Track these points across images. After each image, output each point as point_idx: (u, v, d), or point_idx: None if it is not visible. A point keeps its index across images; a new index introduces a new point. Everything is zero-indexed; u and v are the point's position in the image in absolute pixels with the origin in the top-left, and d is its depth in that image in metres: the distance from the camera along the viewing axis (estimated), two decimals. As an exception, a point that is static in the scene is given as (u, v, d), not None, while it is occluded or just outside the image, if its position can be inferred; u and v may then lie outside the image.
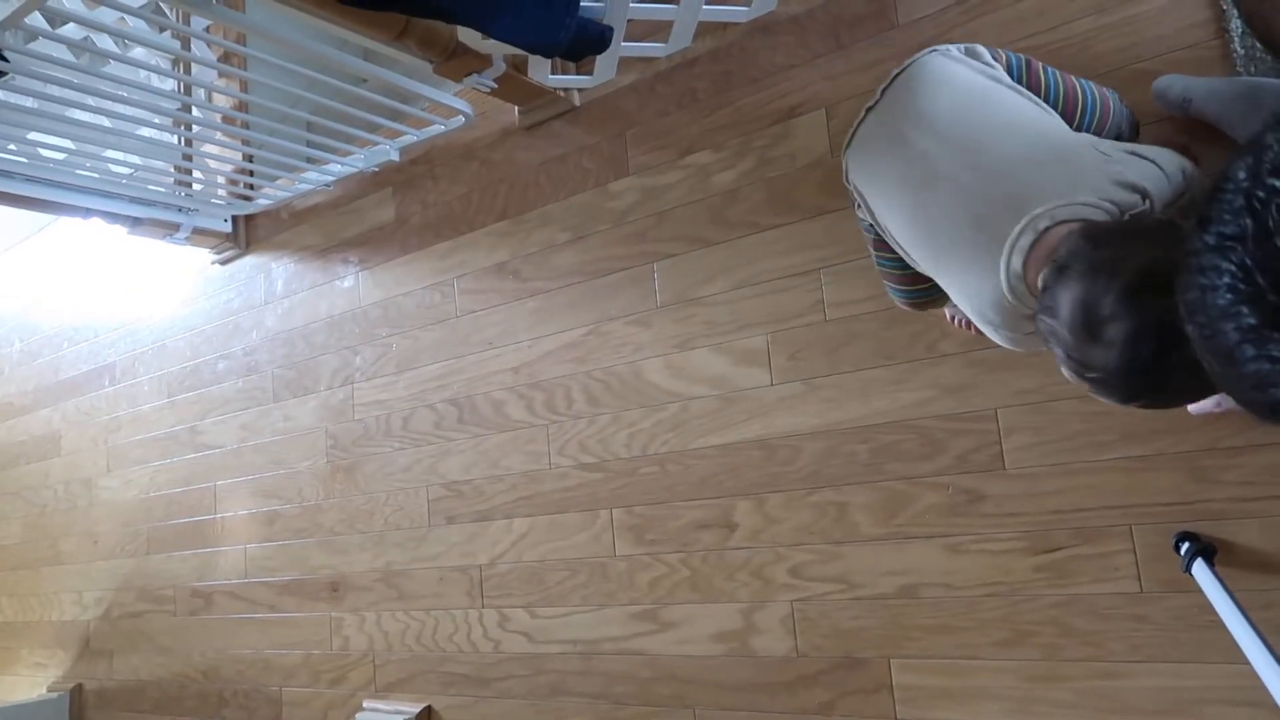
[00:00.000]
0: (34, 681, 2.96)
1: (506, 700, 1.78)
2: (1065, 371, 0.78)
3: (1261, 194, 0.41)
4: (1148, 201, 0.84)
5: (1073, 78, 1.04)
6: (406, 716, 1.90)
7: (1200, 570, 1.09)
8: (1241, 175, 0.43)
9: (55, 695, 2.80)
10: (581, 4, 1.42)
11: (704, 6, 1.53)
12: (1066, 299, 0.74)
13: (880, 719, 1.35)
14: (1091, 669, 1.20)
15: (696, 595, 1.55)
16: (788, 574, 1.46)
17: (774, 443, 1.49)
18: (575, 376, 1.74)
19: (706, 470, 1.56)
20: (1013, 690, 1.25)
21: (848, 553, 1.41)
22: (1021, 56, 1.04)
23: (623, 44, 1.59)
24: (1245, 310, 0.43)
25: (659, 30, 1.64)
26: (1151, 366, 0.70)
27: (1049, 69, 1.03)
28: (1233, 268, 0.43)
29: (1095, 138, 0.95)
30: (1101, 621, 1.20)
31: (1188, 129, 1.15)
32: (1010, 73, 1.01)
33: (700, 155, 1.62)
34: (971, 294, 0.92)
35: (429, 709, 1.91)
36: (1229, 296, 0.43)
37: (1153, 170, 0.87)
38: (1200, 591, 1.06)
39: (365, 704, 2.01)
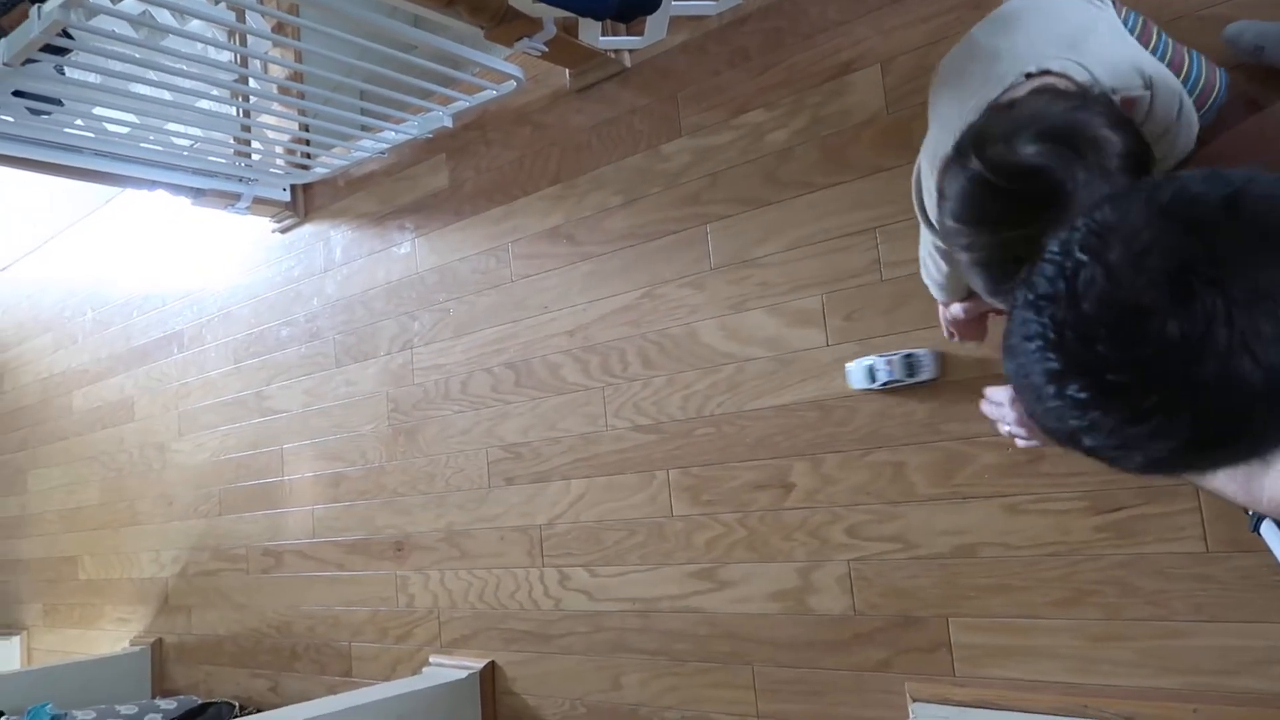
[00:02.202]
0: (117, 636, 3.11)
1: (567, 656, 1.83)
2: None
3: (1070, 265, 0.52)
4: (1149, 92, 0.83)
5: (1183, 48, 0.98)
6: (471, 671, 1.95)
7: (1269, 530, 1.07)
8: (1056, 248, 0.54)
9: (138, 649, 2.93)
10: (631, -36, 1.41)
11: (755, -38, 1.51)
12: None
13: (938, 677, 1.36)
14: (1154, 628, 1.19)
15: (753, 555, 1.57)
16: (844, 533, 1.47)
17: (830, 403, 1.49)
18: (630, 339, 1.75)
19: (762, 431, 1.57)
20: (1073, 649, 1.25)
21: (905, 512, 1.41)
22: (1139, 14, 0.97)
23: (673, 3, 1.58)
24: (1051, 357, 0.53)
25: (709, -12, 1.62)
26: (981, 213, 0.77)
27: (1163, 34, 0.97)
28: (1045, 321, 0.53)
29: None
30: (1165, 581, 1.19)
31: (1259, 77, 1.11)
32: (1124, 23, 0.96)
33: (753, 115, 1.60)
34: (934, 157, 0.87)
35: (492, 664, 1.96)
36: (1039, 343, 0.53)
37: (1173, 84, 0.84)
38: (1269, 551, 1.04)
39: (431, 659, 2.07)
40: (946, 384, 1.37)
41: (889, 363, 1.40)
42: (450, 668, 2.00)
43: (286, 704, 2.12)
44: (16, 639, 3.63)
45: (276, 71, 2.33)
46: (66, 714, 2.39)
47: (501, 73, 1.84)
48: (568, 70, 1.85)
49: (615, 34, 1.73)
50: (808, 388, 1.51)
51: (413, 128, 2.08)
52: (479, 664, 1.96)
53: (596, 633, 1.78)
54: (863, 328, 1.46)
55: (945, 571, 1.36)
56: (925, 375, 1.38)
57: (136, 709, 2.49)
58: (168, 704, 2.57)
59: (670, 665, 1.67)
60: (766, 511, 1.56)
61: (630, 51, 1.78)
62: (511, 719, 1.92)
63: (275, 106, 2.23)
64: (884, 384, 1.41)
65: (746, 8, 1.62)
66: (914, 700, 1.36)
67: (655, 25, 1.67)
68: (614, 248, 1.79)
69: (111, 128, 2.10)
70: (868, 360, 1.43)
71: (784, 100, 1.56)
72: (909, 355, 1.38)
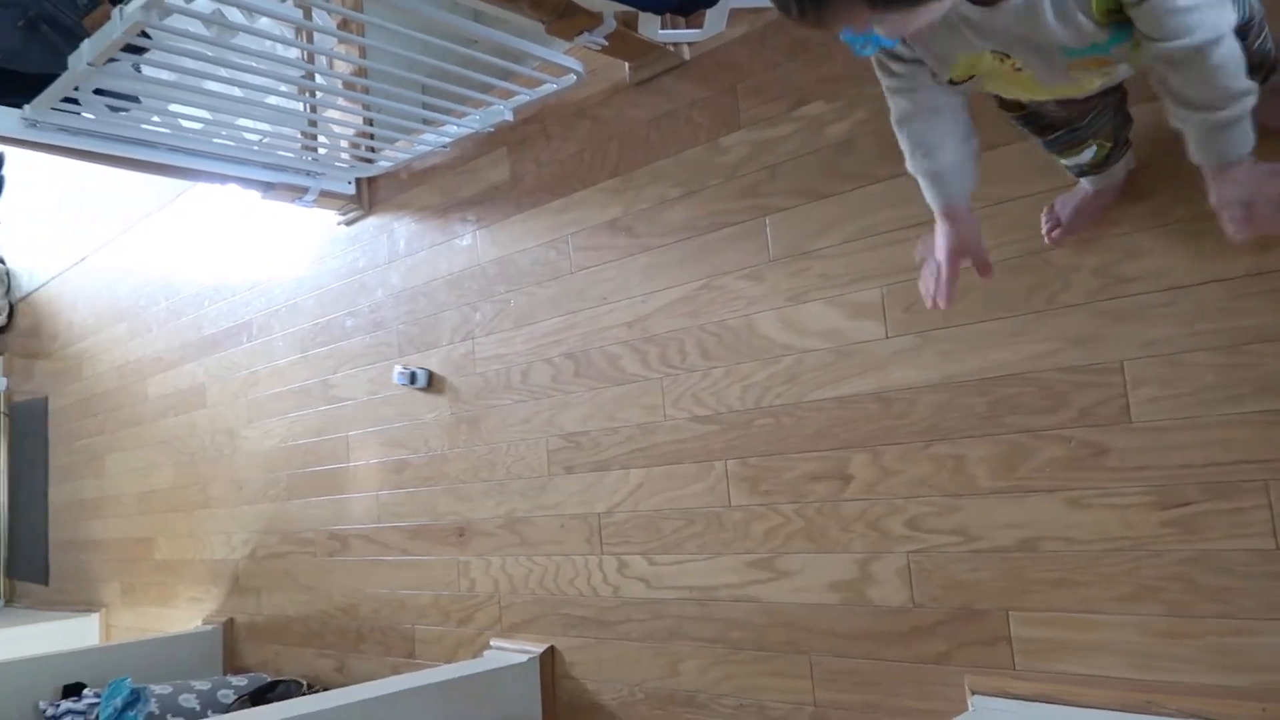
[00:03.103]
0: (191, 614, 3.22)
1: (626, 643, 1.86)
2: None
3: None
4: None
5: None
6: (531, 655, 1.99)
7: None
8: None
9: (210, 627, 3.04)
10: (692, -42, 1.42)
11: (816, -46, 1.50)
12: None
13: (998, 670, 1.36)
14: (1221, 625, 1.18)
15: (812, 545, 1.58)
16: (904, 525, 1.47)
17: (889, 395, 1.49)
18: (689, 330, 1.77)
19: (821, 422, 1.57)
20: (1136, 645, 1.24)
21: (965, 505, 1.40)
22: None
23: (733, -4, 1.58)
24: None
25: (769, -20, 1.62)
26: None
27: None
28: None
29: None
30: (1232, 578, 1.17)
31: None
32: None
33: (812, 107, 1.60)
34: None
35: (552, 649, 2.00)
36: None
37: None
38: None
39: (492, 643, 2.12)
40: (1009, 377, 1.37)
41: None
42: (511, 651, 2.04)
43: (352, 683, 2.19)
44: (96, 616, 3.78)
45: (342, 67, 2.39)
46: (144, 688, 2.49)
47: (561, 66, 1.86)
48: (627, 64, 1.86)
49: (674, 27, 1.75)
50: (867, 380, 1.52)
51: (474, 121, 2.12)
52: (539, 648, 2.00)
53: (654, 620, 1.81)
54: (922, 320, 1.45)
55: (1006, 565, 1.36)
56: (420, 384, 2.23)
57: (209, 685, 2.59)
58: (239, 681, 2.66)
59: (727, 653, 1.69)
60: (825, 502, 1.56)
61: (689, 44, 1.79)
62: (570, 703, 1.96)
63: (341, 101, 2.28)
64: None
65: (806, -1, 1.61)
66: (973, 693, 1.36)
67: (715, 18, 1.67)
68: (673, 240, 1.80)
69: (185, 124, 2.17)
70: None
71: (844, 92, 1.56)
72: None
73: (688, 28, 1.75)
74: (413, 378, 2.29)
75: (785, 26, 1.65)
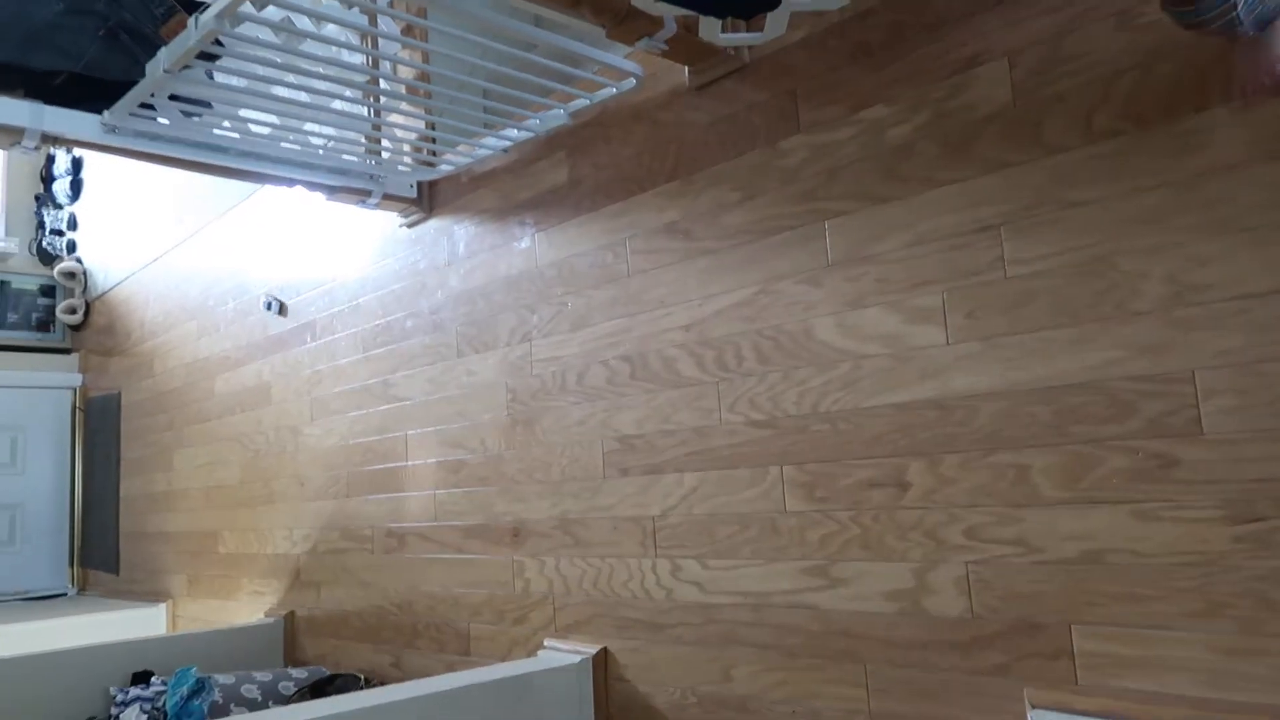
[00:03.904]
0: (253, 607, 3.30)
1: (679, 646, 1.86)
2: None
3: None
4: None
5: None
6: (584, 656, 2.00)
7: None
8: None
9: (271, 620, 3.11)
10: (753, -38, 1.42)
11: (879, -44, 1.49)
12: None
13: (1060, 684, 1.33)
14: (1296, 645, 1.14)
15: (868, 553, 1.56)
16: (963, 535, 1.45)
17: (949, 402, 1.47)
18: (745, 334, 1.76)
19: (879, 429, 1.56)
20: (1205, 663, 1.21)
21: (1027, 515, 1.38)
22: None
23: (794, -1, 1.58)
24: None
25: (831, -18, 1.61)
26: None
27: None
28: None
29: None
30: (1309, 596, 1.13)
31: None
32: None
33: (873, 110, 1.59)
34: None
35: (605, 650, 2.01)
36: None
37: None
38: None
39: (546, 642, 2.14)
40: (1074, 386, 1.34)
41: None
42: (564, 652, 2.06)
43: (408, 678, 2.23)
44: (163, 606, 3.90)
45: (405, 73, 2.43)
46: (209, 677, 2.56)
47: (621, 70, 1.88)
48: (686, 67, 1.87)
49: (735, 30, 1.74)
50: (927, 386, 1.50)
51: (534, 125, 2.14)
52: (592, 650, 2.01)
53: (708, 624, 1.80)
54: (985, 326, 1.43)
55: (1070, 577, 1.33)
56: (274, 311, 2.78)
57: (271, 676, 2.65)
58: (299, 673, 2.72)
59: (781, 660, 1.68)
60: (882, 510, 1.55)
61: (750, 47, 1.78)
62: (623, 704, 1.97)
63: (404, 106, 2.32)
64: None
65: (868, 2, 1.60)
66: (1034, 707, 1.33)
67: (775, 21, 1.67)
68: (730, 243, 1.80)
69: (255, 128, 2.23)
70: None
71: (906, 95, 1.54)
72: None
73: (748, 31, 1.74)
74: (269, 305, 3.09)
75: (846, 29, 1.64)
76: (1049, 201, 1.37)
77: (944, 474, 1.47)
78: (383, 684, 2.61)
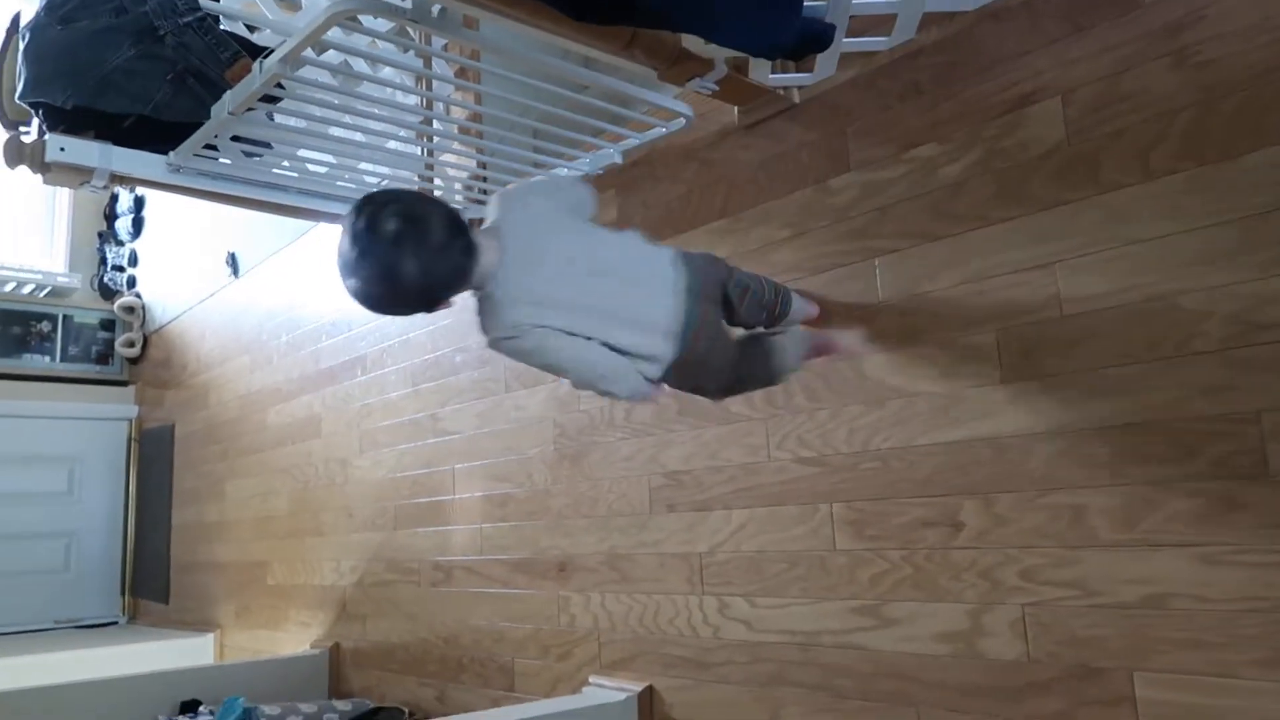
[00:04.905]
0: (299, 638, 3.33)
1: (725, 685, 1.84)
2: None
3: None
4: None
5: None
6: (629, 694, 1.99)
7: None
8: None
9: (317, 651, 3.13)
10: (804, 3, 1.43)
11: (930, -3, 1.50)
12: None
13: (1121, 733, 1.29)
14: (1372, 697, 1.10)
15: (920, 594, 1.54)
16: (1018, 576, 1.42)
17: (1004, 441, 1.45)
18: (794, 372, 1.76)
19: (931, 468, 1.54)
20: (1273, 713, 1.17)
21: (1085, 558, 1.35)
22: None
23: (844, 40, 1.59)
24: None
25: (881, 24, 1.62)
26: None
27: None
28: None
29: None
30: (1385, 646, 1.10)
31: None
32: None
33: (924, 149, 1.59)
34: None
35: (650, 688, 1.99)
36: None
37: None
38: None
39: (591, 679, 2.13)
40: (1133, 426, 1.32)
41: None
42: (609, 689, 2.04)
43: (452, 713, 2.22)
44: (211, 636, 3.94)
45: (458, 113, 2.48)
46: (255, 707, 2.58)
47: (671, 110, 1.90)
48: (736, 107, 1.89)
49: (785, 71, 1.76)
50: (981, 425, 1.48)
51: (584, 164, 2.17)
52: (637, 687, 2.00)
53: (755, 663, 1.79)
54: (1040, 365, 1.42)
55: (1130, 622, 1.30)
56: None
57: (316, 708, 2.66)
58: (343, 705, 2.73)
59: (831, 701, 1.65)
60: (934, 550, 1.53)
61: (799, 88, 1.80)
62: (669, 744, 1.95)
63: (456, 146, 2.37)
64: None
65: (919, 42, 1.61)
66: (1094, 756, 1.30)
67: (826, 62, 1.69)
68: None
69: (312, 167, 2.29)
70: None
71: (957, 134, 1.55)
72: None
73: (798, 71, 1.76)
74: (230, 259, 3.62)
75: (897, 69, 1.65)
76: (1106, 239, 1.36)
77: (998, 514, 1.45)
78: (426, 718, 2.61)
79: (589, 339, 1.26)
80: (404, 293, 1.21)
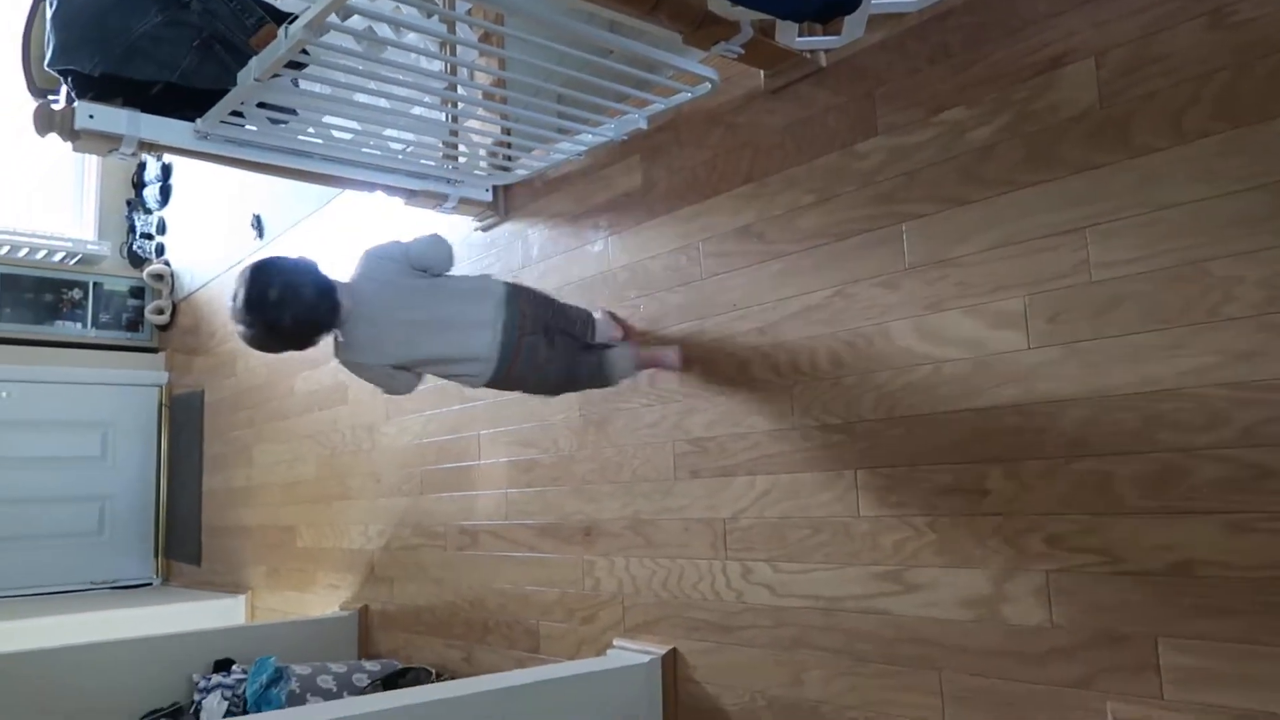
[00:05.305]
0: (328, 601, 3.39)
1: (748, 649, 1.86)
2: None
3: None
4: None
5: None
6: (653, 657, 2.01)
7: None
8: None
9: (346, 613, 3.19)
10: (833, -35, 1.41)
11: (961, -44, 1.48)
12: None
13: (1145, 698, 1.30)
14: (1401, 665, 1.10)
15: (943, 559, 1.55)
16: (1043, 543, 1.42)
17: (1031, 408, 1.45)
18: (820, 338, 1.76)
19: (957, 434, 1.54)
20: (1301, 680, 1.17)
21: (1111, 525, 1.35)
22: None
23: (873, 1, 1.57)
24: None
25: (911, -16, 1.59)
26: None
27: None
28: None
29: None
30: None
31: None
32: None
33: (953, 112, 1.57)
34: None
35: (674, 651, 2.01)
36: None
37: None
38: None
39: (615, 642, 2.15)
40: (1163, 393, 1.30)
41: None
42: (633, 652, 2.07)
43: (478, 674, 2.26)
44: (243, 597, 4.02)
45: (482, 79, 2.47)
46: (286, 667, 2.63)
47: (697, 75, 1.88)
48: (762, 71, 1.87)
49: (812, 34, 1.74)
50: (1007, 391, 1.47)
51: (609, 130, 2.16)
52: (661, 650, 2.02)
53: (778, 627, 1.80)
54: (1068, 330, 1.40)
55: (1156, 589, 1.30)
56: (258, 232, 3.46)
57: (345, 668, 2.71)
58: (372, 666, 2.78)
59: (853, 665, 1.67)
60: (959, 516, 1.53)
61: (826, 51, 1.78)
62: (692, 706, 1.97)
63: (480, 112, 2.36)
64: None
65: (949, 3, 1.59)
66: (1116, 720, 1.31)
67: (853, 24, 1.66)
68: (805, 246, 1.79)
69: (337, 134, 2.29)
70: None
71: (987, 97, 1.53)
72: None
73: (825, 34, 1.74)
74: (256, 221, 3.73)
75: (926, 31, 1.62)
76: (1137, 204, 1.34)
77: (1024, 480, 1.45)
78: (453, 679, 2.66)
79: (397, 368, 1.79)
80: (282, 340, 1.68)
